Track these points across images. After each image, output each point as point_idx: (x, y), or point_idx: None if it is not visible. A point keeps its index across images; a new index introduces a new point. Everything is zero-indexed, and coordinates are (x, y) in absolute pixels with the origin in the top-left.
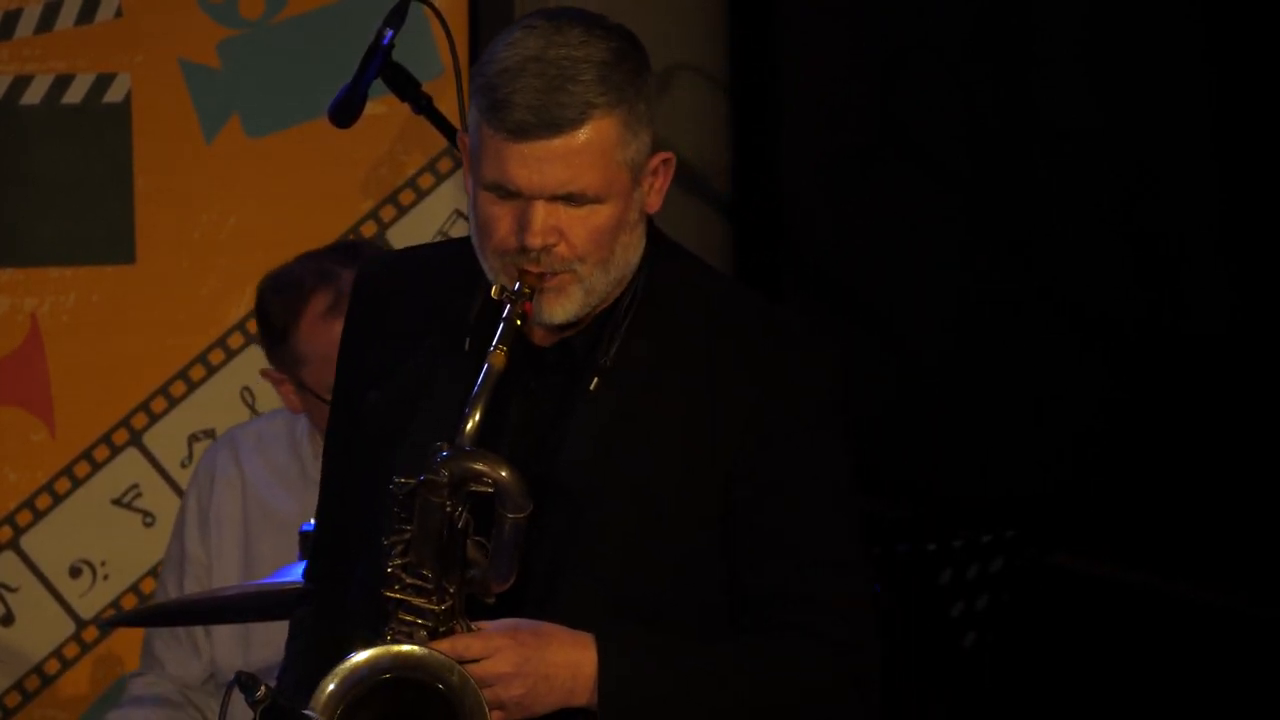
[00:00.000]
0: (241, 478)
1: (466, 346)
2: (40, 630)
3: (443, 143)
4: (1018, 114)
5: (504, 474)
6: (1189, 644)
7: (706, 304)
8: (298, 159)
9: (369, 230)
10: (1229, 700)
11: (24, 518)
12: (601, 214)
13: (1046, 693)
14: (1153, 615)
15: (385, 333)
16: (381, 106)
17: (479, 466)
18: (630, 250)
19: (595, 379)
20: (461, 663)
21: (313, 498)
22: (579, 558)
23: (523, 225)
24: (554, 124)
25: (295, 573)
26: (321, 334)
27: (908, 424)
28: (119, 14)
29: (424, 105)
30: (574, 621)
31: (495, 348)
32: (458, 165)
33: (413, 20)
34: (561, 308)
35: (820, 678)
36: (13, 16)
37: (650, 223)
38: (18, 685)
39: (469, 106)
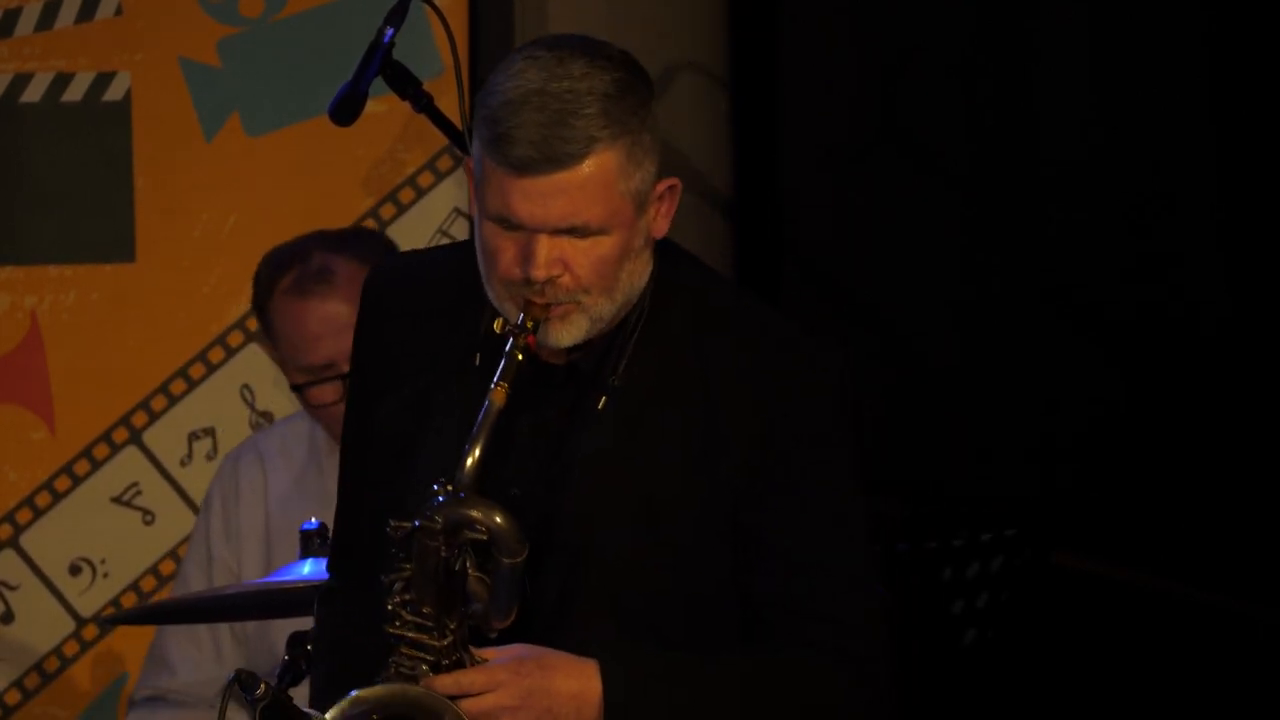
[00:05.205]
0: (266, 492)
1: (476, 361)
2: (40, 628)
3: (443, 141)
4: (1018, 114)
5: (497, 520)
6: (1189, 644)
7: (711, 317)
8: (298, 157)
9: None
10: (1229, 700)
11: (24, 516)
12: (606, 244)
13: (1046, 692)
14: (1153, 615)
15: (396, 340)
16: (382, 105)
17: (473, 513)
18: (636, 276)
19: (603, 398)
20: (464, 697)
21: (334, 508)
22: (589, 578)
23: (527, 257)
24: (557, 158)
25: (296, 572)
26: (284, 311)
27: (908, 423)
28: (119, 12)
29: (424, 104)
30: (585, 642)
31: (496, 384)
32: (458, 164)
33: (413, 19)
34: (567, 333)
35: (832, 693)
36: (12, 14)
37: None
38: (18, 683)
39: (474, 135)
